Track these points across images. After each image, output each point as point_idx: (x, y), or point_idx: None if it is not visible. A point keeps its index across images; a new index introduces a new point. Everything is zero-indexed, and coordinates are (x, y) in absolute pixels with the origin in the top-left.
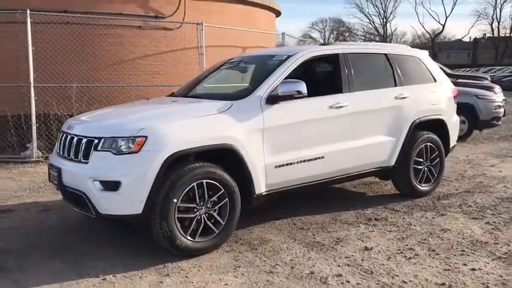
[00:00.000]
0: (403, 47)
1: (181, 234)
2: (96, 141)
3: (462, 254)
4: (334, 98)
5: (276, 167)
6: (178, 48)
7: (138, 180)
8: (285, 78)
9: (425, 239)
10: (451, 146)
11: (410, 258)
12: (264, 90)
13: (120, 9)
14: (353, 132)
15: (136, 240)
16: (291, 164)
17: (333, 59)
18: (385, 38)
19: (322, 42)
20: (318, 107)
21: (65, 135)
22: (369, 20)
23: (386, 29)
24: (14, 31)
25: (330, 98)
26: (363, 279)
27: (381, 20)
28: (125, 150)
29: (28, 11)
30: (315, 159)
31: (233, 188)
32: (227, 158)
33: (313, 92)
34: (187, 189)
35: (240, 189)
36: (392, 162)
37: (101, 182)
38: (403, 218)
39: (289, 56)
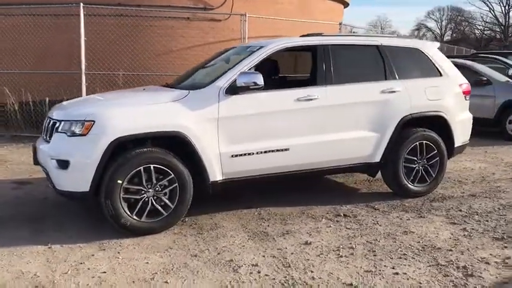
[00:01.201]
0: (402, 39)
1: (126, 213)
2: (57, 123)
3: (400, 258)
4: (304, 90)
5: (232, 156)
6: (225, 39)
7: (84, 161)
8: (250, 69)
9: (376, 240)
10: (456, 145)
11: (341, 256)
12: (224, 80)
13: (169, 2)
14: (326, 126)
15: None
16: (250, 154)
17: (311, 51)
18: (506, 28)
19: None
20: (282, 99)
21: (47, 118)
22: (489, 7)
23: (508, 17)
24: (69, 23)
25: (300, 91)
26: (275, 271)
27: (503, 8)
28: (76, 132)
29: (81, 5)
30: (278, 150)
31: (183, 174)
32: (180, 145)
33: (285, 84)
34: (133, 172)
35: (195, 175)
36: (378, 159)
37: (57, 160)
38: (376, 217)
39: (260, 47)
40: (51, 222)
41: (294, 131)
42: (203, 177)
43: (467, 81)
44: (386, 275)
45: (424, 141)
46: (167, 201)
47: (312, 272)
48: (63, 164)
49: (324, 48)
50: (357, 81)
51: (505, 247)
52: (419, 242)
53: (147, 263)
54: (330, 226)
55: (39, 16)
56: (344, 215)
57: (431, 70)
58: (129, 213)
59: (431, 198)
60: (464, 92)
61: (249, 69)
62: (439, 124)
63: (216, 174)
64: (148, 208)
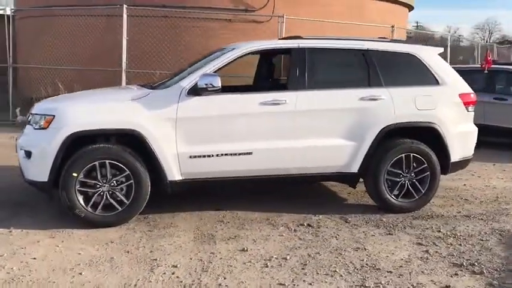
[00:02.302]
0: (396, 44)
1: (81, 205)
2: (30, 116)
3: (327, 274)
4: (271, 94)
5: (190, 157)
6: None
7: (42, 152)
8: (215, 72)
9: (318, 253)
10: (452, 160)
11: (267, 267)
12: (188, 81)
13: (211, 3)
14: (296, 132)
15: None
16: (209, 156)
17: (286, 54)
18: None
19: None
20: (246, 102)
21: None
22: None
23: None
24: (114, 24)
25: (266, 95)
26: (188, 275)
27: None
28: (39, 125)
29: (124, 6)
30: (240, 154)
31: (139, 171)
32: (138, 143)
33: (254, 87)
34: (88, 166)
35: (154, 174)
36: (355, 169)
37: (24, 151)
38: (340, 229)
39: (232, 49)
40: (30, 208)
41: (258, 135)
42: (161, 176)
43: (471, 91)
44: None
45: (411, 154)
46: (122, 197)
47: (224, 278)
48: (28, 154)
49: (299, 52)
50: (335, 87)
51: (456, 275)
52: (363, 260)
53: (79, 254)
54: (283, 235)
55: (89, 17)
56: (308, 224)
57: (427, 78)
58: (84, 205)
59: (416, 215)
60: (466, 103)
61: (215, 71)
62: (431, 136)
63: (174, 174)
64: (102, 202)
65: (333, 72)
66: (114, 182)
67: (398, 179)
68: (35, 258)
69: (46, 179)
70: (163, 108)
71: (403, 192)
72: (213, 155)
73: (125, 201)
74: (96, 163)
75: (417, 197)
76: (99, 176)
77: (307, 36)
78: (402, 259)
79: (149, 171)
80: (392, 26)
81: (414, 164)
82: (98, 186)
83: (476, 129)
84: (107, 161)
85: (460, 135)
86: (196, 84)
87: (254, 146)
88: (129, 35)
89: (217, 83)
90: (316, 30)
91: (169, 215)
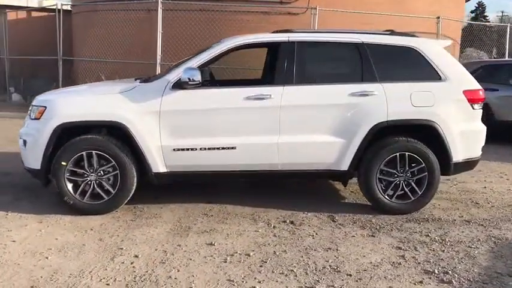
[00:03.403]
0: (395, 37)
1: (70, 193)
2: (30, 108)
3: (281, 274)
4: (256, 89)
5: (174, 150)
6: None
7: (34, 141)
8: (201, 65)
9: (284, 251)
10: (454, 161)
11: (225, 262)
12: (174, 75)
13: None
14: (281, 127)
15: None
16: (193, 149)
17: (275, 48)
18: None
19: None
20: (231, 96)
21: None
22: None
23: None
24: (150, 17)
25: (251, 89)
26: (145, 265)
27: None
28: (34, 116)
29: (159, 0)
30: (223, 148)
31: (124, 162)
32: (123, 135)
33: (238, 82)
34: (76, 156)
35: (140, 165)
36: (344, 167)
37: (23, 140)
38: (321, 228)
39: (219, 44)
40: (32, 193)
41: (242, 130)
42: (146, 167)
43: (479, 88)
44: (240, 287)
45: (406, 153)
46: (109, 186)
47: (177, 271)
48: (24, 143)
49: (288, 46)
50: (324, 82)
51: (420, 282)
52: (328, 261)
53: (56, 239)
54: (258, 231)
55: (128, 11)
56: (291, 222)
57: (428, 73)
58: (72, 193)
59: (411, 217)
60: (470, 100)
61: (200, 64)
62: (430, 135)
63: (158, 166)
64: (90, 191)
65: (323, 66)
66: (101, 172)
67: (392, 179)
68: (14, 241)
69: (39, 167)
70: (147, 101)
71: (397, 193)
72: (196, 149)
73: (111, 190)
74: (84, 153)
75: (413, 199)
76: (86, 166)
77: (298, 30)
78: (371, 263)
79: (135, 163)
80: (438, 17)
81: (409, 164)
82: (86, 175)
83: (484, 128)
84: (94, 152)
85: (464, 134)
86: (180, 78)
87: (237, 140)
88: (165, 29)
89: (198, 77)
90: (353, 22)
91: (158, 206)
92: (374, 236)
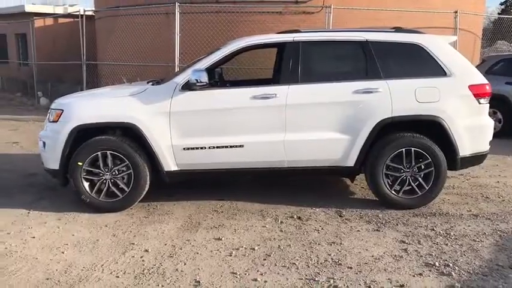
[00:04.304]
0: (400, 34)
1: (87, 191)
2: (49, 111)
3: (284, 267)
4: (261, 89)
5: (184, 149)
6: None
7: (53, 143)
8: (209, 67)
9: (288, 246)
10: (461, 155)
11: (230, 256)
12: (182, 77)
13: None
14: (286, 125)
15: None
16: (202, 148)
17: (280, 48)
18: None
19: None
20: (238, 96)
21: None
22: None
23: None
24: (169, 21)
25: (257, 89)
26: (154, 259)
27: None
28: (52, 119)
29: (177, 4)
30: (231, 147)
31: (137, 162)
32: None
33: (247, 82)
34: (92, 156)
35: (152, 164)
36: (351, 163)
37: (42, 141)
38: (327, 223)
39: (226, 46)
40: (54, 193)
41: (249, 128)
42: (157, 166)
43: (485, 82)
44: (243, 280)
45: (412, 148)
46: (123, 185)
47: (184, 264)
48: (43, 145)
49: (293, 46)
50: (329, 80)
51: (419, 275)
52: (330, 255)
53: (73, 235)
54: (266, 226)
55: (147, 15)
56: (298, 217)
57: (433, 69)
58: (89, 191)
59: (418, 212)
60: (477, 95)
61: (208, 66)
62: (437, 130)
63: (169, 164)
64: (105, 189)
65: (328, 65)
66: (116, 171)
67: (398, 174)
68: (34, 237)
69: (57, 167)
70: (158, 103)
71: (404, 188)
72: (205, 147)
73: (126, 189)
74: (99, 153)
75: (420, 194)
76: (101, 165)
77: (304, 30)
78: (373, 256)
79: (148, 162)
80: (456, 12)
81: (416, 159)
82: (101, 174)
83: (491, 122)
84: (108, 152)
85: (470, 129)
86: (188, 79)
87: (245, 139)
88: (182, 32)
89: (205, 78)
90: (368, 19)
91: (171, 203)
92: (379, 231)
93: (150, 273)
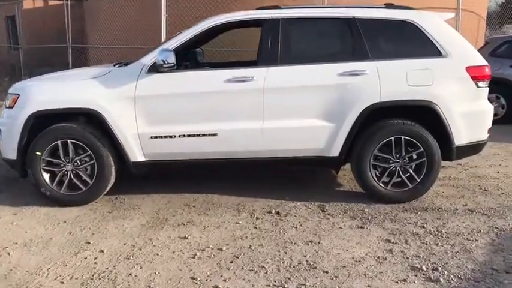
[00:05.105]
0: (391, 10)
1: (47, 183)
2: (6, 95)
3: (251, 271)
4: (237, 71)
5: (152, 137)
6: None
7: (9, 131)
8: (180, 47)
9: (260, 245)
10: (456, 144)
11: (193, 257)
12: (149, 58)
13: None
14: (264, 112)
15: None
16: (171, 136)
17: (259, 26)
18: None
19: None
20: (211, 79)
21: None
22: None
23: None
24: (155, 1)
25: (232, 71)
26: (108, 261)
27: None
28: (8, 104)
29: None
30: (204, 135)
31: (101, 151)
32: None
33: (228, 65)
34: (51, 145)
35: (117, 154)
36: (336, 153)
37: None
38: (308, 219)
39: (200, 23)
40: (16, 185)
41: (224, 115)
42: (123, 156)
43: (484, 64)
44: (203, 286)
45: (402, 137)
46: (86, 177)
47: (140, 268)
48: (0, 133)
49: (273, 24)
50: (312, 61)
51: (403, 280)
52: (305, 256)
53: (26, 232)
54: (239, 223)
55: None
56: (277, 212)
57: (427, 49)
58: (49, 183)
59: (409, 207)
60: (475, 77)
61: (178, 46)
62: (429, 116)
63: (136, 154)
64: (67, 181)
65: (310, 45)
66: (78, 161)
67: (387, 165)
68: None
69: (15, 157)
70: (122, 86)
71: (394, 181)
72: (175, 136)
73: (89, 181)
74: (59, 142)
75: (411, 186)
76: (62, 155)
77: (285, 6)
78: (353, 258)
79: (113, 151)
80: None
81: (407, 148)
82: (62, 165)
83: (491, 108)
84: (69, 141)
85: (467, 115)
86: (156, 60)
87: (219, 126)
88: (170, 12)
89: (172, 59)
90: None
91: (140, 197)
92: (363, 228)
93: (99, 279)
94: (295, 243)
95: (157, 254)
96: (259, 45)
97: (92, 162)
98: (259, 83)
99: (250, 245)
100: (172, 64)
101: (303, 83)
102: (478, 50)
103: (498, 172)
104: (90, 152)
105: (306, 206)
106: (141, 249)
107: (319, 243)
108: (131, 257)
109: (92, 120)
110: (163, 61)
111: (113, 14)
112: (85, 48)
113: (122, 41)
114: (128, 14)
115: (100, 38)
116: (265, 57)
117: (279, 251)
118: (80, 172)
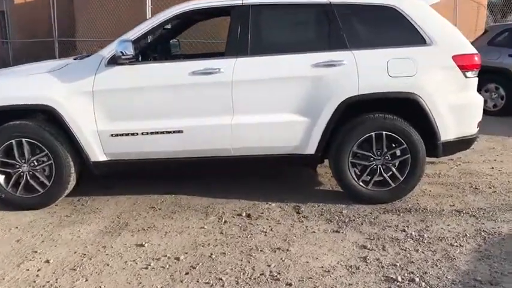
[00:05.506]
0: None
1: (1, 185)
2: None
3: (207, 283)
4: (203, 62)
5: (112, 135)
6: None
7: None
8: (141, 37)
9: (223, 253)
10: (443, 140)
11: (146, 268)
12: (109, 49)
13: None
14: (233, 106)
15: None
16: (133, 134)
17: (228, 14)
18: None
19: None
20: (175, 72)
21: None
22: None
23: None
24: None
25: (198, 62)
26: (51, 273)
27: None
28: None
29: None
30: (168, 132)
31: (58, 150)
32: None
33: (195, 56)
34: (5, 144)
35: (76, 154)
36: (311, 150)
37: None
38: (280, 223)
39: (163, 11)
40: None
41: (189, 110)
42: (83, 156)
43: (473, 52)
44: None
45: (383, 132)
46: (44, 178)
47: (85, 280)
48: None
49: (241, 11)
50: (284, 51)
51: None
52: (270, 265)
53: None
54: (204, 227)
55: None
56: (248, 215)
57: (410, 36)
58: (4, 185)
59: (391, 207)
60: (463, 67)
61: (138, 36)
62: (413, 110)
63: (96, 154)
64: (23, 183)
65: (283, 33)
66: (35, 162)
67: (367, 163)
68: None
69: None
70: (79, 80)
71: (375, 179)
72: (137, 133)
73: (47, 183)
74: (13, 141)
75: (394, 185)
76: (17, 155)
77: None
78: (323, 267)
79: (72, 151)
80: None
81: (388, 145)
82: (17, 166)
83: (480, 99)
84: (23, 140)
85: (454, 108)
86: (115, 52)
87: (184, 123)
88: (154, 3)
89: (130, 50)
90: None
91: (105, 198)
92: (338, 232)
93: None
94: (261, 251)
95: (108, 265)
96: (227, 35)
97: (49, 162)
98: (226, 76)
99: (211, 253)
100: (131, 55)
101: (274, 74)
102: (477, 39)
103: (492, 168)
104: (47, 151)
105: (280, 207)
106: (91, 259)
107: (287, 250)
108: (78, 268)
109: (50, 118)
110: (121, 52)
111: (102, 5)
112: (75, 41)
113: (111, 34)
114: (116, 6)
115: (89, 31)
116: (233, 48)
117: (241, 260)
118: (37, 173)
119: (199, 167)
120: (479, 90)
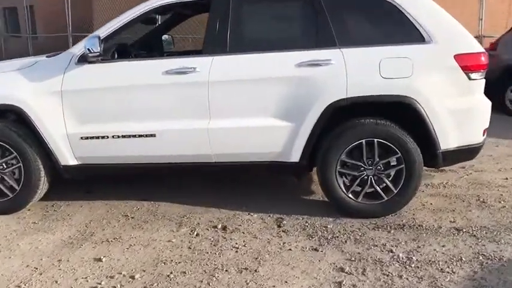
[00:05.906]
0: None
1: None
2: None
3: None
4: (178, 61)
5: (82, 138)
6: None
7: None
8: (112, 34)
9: (183, 272)
10: (443, 149)
11: (82, 286)
12: (80, 46)
13: None
14: (210, 109)
15: None
16: (104, 137)
17: (204, 9)
18: None
19: None
20: (148, 71)
21: None
22: None
23: None
24: None
25: (172, 61)
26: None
27: None
28: None
29: None
30: (141, 136)
31: (27, 153)
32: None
33: (163, 52)
34: None
35: (46, 157)
36: (296, 158)
37: None
38: (256, 237)
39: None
40: None
41: (163, 113)
42: (52, 159)
43: (479, 50)
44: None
45: (375, 139)
46: (12, 182)
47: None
48: None
49: (221, 5)
50: (266, 49)
51: None
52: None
53: None
54: (172, 241)
55: None
56: (223, 227)
57: (408, 33)
58: None
59: (382, 223)
60: (466, 67)
61: (110, 33)
62: (409, 115)
63: (66, 157)
64: None
65: (266, 29)
66: (3, 164)
67: (357, 173)
68: None
69: None
70: (48, 79)
71: (365, 191)
72: (107, 136)
73: (16, 187)
74: None
75: (387, 198)
76: None
77: None
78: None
79: (41, 154)
80: None
81: (380, 153)
82: None
83: (488, 103)
84: None
85: (456, 114)
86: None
87: (157, 126)
88: None
89: (97, 47)
90: None
91: (79, 204)
92: (317, 250)
93: None
94: (226, 271)
95: (56, 282)
96: (205, 30)
97: (18, 165)
98: (202, 75)
99: (170, 272)
100: (98, 53)
101: (254, 75)
102: (503, 35)
103: (506, 179)
104: (15, 154)
105: (262, 218)
106: (41, 274)
107: (255, 271)
108: (24, 285)
109: (19, 119)
110: (89, 50)
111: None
112: None
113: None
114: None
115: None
116: (211, 45)
117: (201, 282)
118: (5, 177)
119: (178, 173)
120: (504, 90)
